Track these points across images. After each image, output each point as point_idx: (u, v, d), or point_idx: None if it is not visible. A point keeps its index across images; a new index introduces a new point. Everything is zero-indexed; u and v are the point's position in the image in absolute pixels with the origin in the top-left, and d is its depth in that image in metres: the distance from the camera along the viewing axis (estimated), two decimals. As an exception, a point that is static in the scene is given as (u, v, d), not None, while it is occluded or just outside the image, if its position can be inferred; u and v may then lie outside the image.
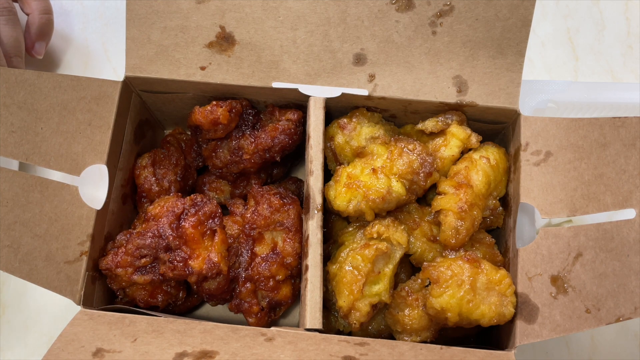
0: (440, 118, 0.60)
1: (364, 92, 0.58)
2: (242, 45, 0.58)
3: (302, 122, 0.62)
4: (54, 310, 0.68)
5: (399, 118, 0.63)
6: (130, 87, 0.60)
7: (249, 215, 0.58)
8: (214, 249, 0.54)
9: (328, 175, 0.62)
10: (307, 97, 0.59)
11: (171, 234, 0.54)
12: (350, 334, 0.58)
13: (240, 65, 0.58)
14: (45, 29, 0.72)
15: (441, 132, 0.60)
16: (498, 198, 0.59)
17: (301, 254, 0.57)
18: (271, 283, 0.57)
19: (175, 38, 0.57)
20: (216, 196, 0.67)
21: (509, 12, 0.55)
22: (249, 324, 0.58)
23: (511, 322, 0.53)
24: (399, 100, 0.58)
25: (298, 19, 0.57)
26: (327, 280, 0.56)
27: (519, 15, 0.55)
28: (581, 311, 0.49)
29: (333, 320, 0.59)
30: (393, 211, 0.58)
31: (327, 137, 0.62)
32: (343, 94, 0.58)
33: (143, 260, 0.54)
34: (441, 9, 0.55)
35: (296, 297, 0.59)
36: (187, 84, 0.59)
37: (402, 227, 0.56)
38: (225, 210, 0.63)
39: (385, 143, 0.59)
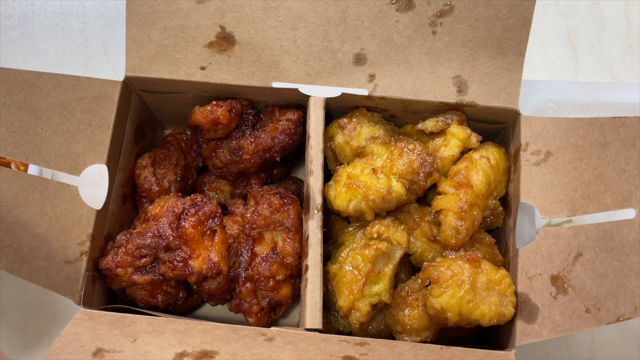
0: (440, 118, 0.60)
1: (364, 92, 0.58)
2: (242, 45, 0.58)
3: (302, 122, 0.62)
4: (54, 310, 0.68)
5: (399, 118, 0.63)
6: (130, 87, 0.60)
7: (249, 215, 0.58)
8: (214, 249, 0.54)
9: (328, 175, 0.62)
10: (307, 97, 0.59)
11: (171, 234, 0.54)
12: (350, 334, 0.58)
13: (240, 65, 0.58)
14: None
15: (441, 132, 0.60)
16: (498, 198, 0.59)
17: (301, 254, 0.57)
18: (271, 283, 0.57)
19: (175, 38, 0.57)
20: (216, 196, 0.67)
21: (509, 12, 0.55)
22: (249, 324, 0.58)
23: (511, 322, 0.53)
24: (399, 100, 0.58)
25: (298, 19, 0.57)
26: (327, 280, 0.56)
27: (519, 15, 0.55)
28: (581, 311, 0.49)
29: (333, 320, 0.59)
30: (393, 211, 0.58)
31: (327, 137, 0.62)
32: (343, 94, 0.58)
33: (143, 260, 0.54)
34: (441, 9, 0.55)
35: (296, 297, 0.59)
36: (187, 84, 0.59)
37: (402, 227, 0.56)
38: (225, 210, 0.63)
39: (385, 143, 0.59)
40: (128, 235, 0.56)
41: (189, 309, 0.64)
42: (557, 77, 0.80)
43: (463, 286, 0.51)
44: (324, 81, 0.58)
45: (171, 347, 0.46)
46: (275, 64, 0.58)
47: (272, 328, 0.50)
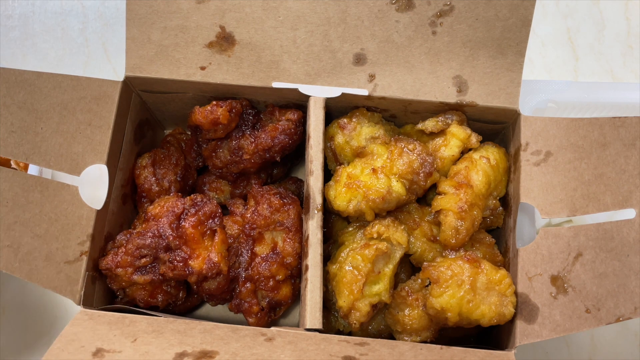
0: (440, 118, 0.60)
1: (364, 92, 0.58)
2: (242, 45, 0.58)
3: (302, 122, 0.62)
4: (54, 310, 0.68)
5: (399, 118, 0.63)
6: (130, 87, 0.60)
7: (249, 215, 0.58)
8: (214, 249, 0.54)
9: (328, 175, 0.62)
10: (307, 97, 0.59)
11: (171, 234, 0.54)
12: (350, 334, 0.58)
13: (240, 65, 0.58)
14: None
15: (441, 132, 0.60)
16: (498, 198, 0.59)
17: (301, 254, 0.57)
18: (271, 283, 0.57)
19: (175, 38, 0.57)
20: (216, 196, 0.67)
21: (509, 12, 0.55)
22: (249, 324, 0.58)
23: (511, 322, 0.53)
24: (399, 100, 0.58)
25: (298, 19, 0.57)
26: (327, 280, 0.56)
27: (519, 15, 0.55)
28: (581, 311, 0.49)
29: (333, 320, 0.59)
30: (393, 211, 0.58)
31: (327, 137, 0.62)
32: (343, 94, 0.58)
33: (143, 260, 0.54)
34: (441, 9, 0.55)
35: (296, 297, 0.59)
36: (187, 84, 0.59)
37: (402, 227, 0.56)
38: (225, 210, 0.63)
39: (385, 143, 0.59)
40: (128, 235, 0.56)
41: (189, 309, 0.64)
42: (557, 77, 0.80)
43: (463, 286, 0.51)
44: (324, 81, 0.58)
45: (171, 347, 0.46)
46: (275, 64, 0.58)
47: (272, 328, 0.50)
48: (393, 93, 0.58)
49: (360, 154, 0.59)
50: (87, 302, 0.54)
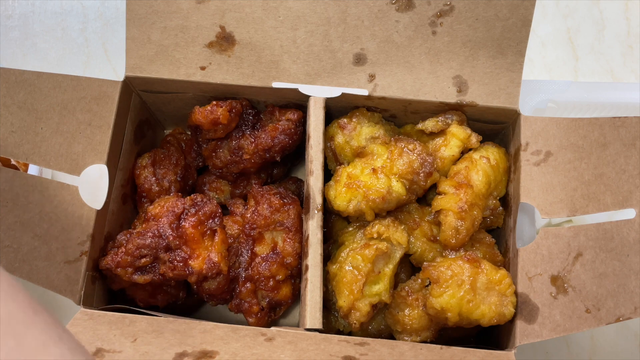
0: (440, 118, 0.60)
1: (364, 92, 0.58)
2: (242, 45, 0.58)
3: (302, 122, 0.62)
4: (54, 310, 0.68)
5: (399, 118, 0.63)
6: (130, 87, 0.60)
7: (249, 215, 0.58)
8: (214, 249, 0.54)
9: (328, 175, 0.62)
10: (307, 97, 0.59)
11: (171, 234, 0.54)
12: (350, 334, 0.58)
13: (240, 65, 0.58)
14: None
15: (441, 132, 0.60)
16: (498, 198, 0.59)
17: (301, 254, 0.57)
18: (271, 283, 0.57)
19: (175, 38, 0.57)
20: (216, 196, 0.67)
21: (509, 12, 0.55)
22: (249, 324, 0.58)
23: (511, 322, 0.53)
24: (399, 100, 0.58)
25: (298, 19, 0.57)
26: (327, 280, 0.56)
27: (519, 15, 0.55)
28: (581, 311, 0.49)
29: (333, 320, 0.59)
30: (393, 211, 0.58)
31: (327, 137, 0.62)
32: (343, 94, 0.58)
33: (143, 260, 0.54)
34: (441, 8, 0.55)
35: (296, 297, 0.59)
36: (187, 84, 0.59)
37: (402, 227, 0.56)
38: (225, 210, 0.63)
39: (385, 143, 0.59)
40: (128, 235, 0.56)
41: (189, 309, 0.64)
42: (557, 77, 0.80)
43: (463, 286, 0.51)
44: (324, 81, 0.58)
45: (171, 347, 0.46)
46: (275, 64, 0.58)
47: (272, 328, 0.50)
48: (393, 93, 0.58)
49: (360, 154, 0.59)
50: (87, 302, 0.54)
